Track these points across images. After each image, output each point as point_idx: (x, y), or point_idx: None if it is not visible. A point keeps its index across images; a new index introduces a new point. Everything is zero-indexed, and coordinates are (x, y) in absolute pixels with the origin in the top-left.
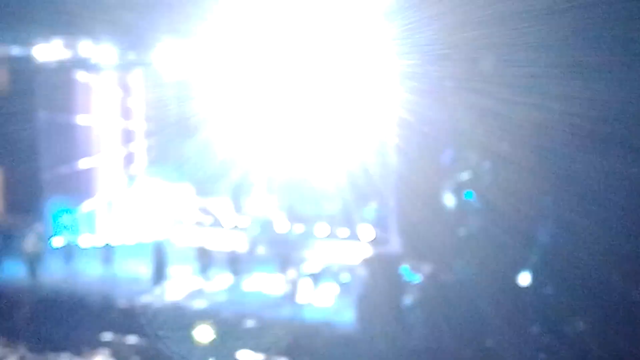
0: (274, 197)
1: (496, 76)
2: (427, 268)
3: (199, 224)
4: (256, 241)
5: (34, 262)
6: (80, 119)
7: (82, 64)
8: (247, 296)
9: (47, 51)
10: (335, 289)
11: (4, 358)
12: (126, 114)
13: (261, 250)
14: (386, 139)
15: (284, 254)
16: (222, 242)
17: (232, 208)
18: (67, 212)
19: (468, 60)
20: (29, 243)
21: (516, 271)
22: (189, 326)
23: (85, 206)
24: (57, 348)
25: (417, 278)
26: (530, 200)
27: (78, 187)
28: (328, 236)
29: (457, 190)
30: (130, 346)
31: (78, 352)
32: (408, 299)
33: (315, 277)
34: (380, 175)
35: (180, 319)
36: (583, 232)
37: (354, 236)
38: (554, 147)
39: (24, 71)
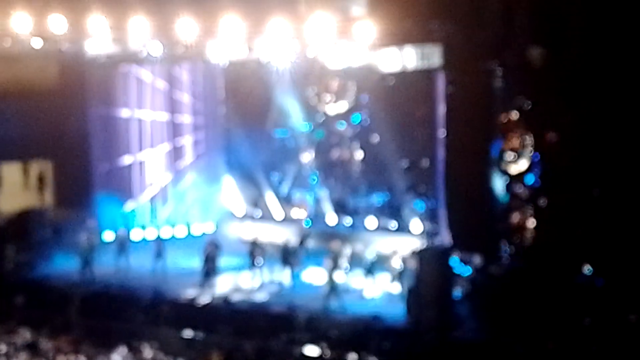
0: (324, 190)
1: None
2: (477, 260)
3: (250, 217)
4: (307, 234)
5: (86, 256)
6: (130, 113)
7: (131, 57)
8: (299, 288)
9: (97, 45)
10: (385, 281)
11: (58, 350)
12: (175, 107)
13: (312, 243)
14: (435, 132)
15: (334, 247)
16: (273, 235)
17: (282, 200)
18: (118, 206)
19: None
20: (82, 237)
21: (569, 263)
22: (240, 319)
23: (136, 200)
24: (109, 341)
25: (468, 270)
26: (582, 189)
27: (129, 181)
28: (377, 229)
29: (507, 181)
30: (182, 339)
31: (130, 345)
32: (458, 291)
33: (366, 270)
34: (429, 167)
35: (230, 313)
36: None
37: (403, 229)
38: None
39: (74, 66)
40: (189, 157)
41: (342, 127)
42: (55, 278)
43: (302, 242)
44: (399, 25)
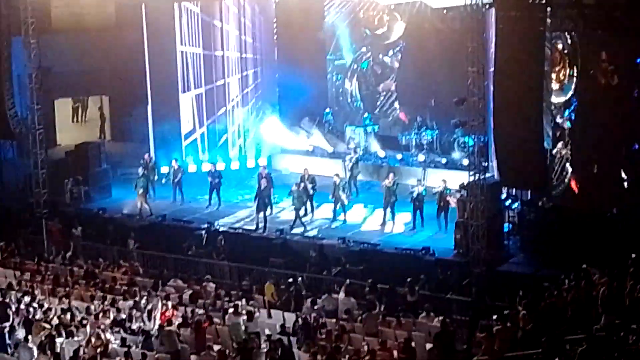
0: (373, 126)
1: None
2: (525, 195)
3: (300, 150)
4: (356, 168)
5: (143, 187)
6: (185, 49)
7: None
8: (348, 223)
9: None
10: (434, 215)
11: (115, 280)
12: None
13: (360, 177)
14: (485, 67)
15: (384, 184)
16: (324, 169)
17: (333, 134)
18: (174, 140)
19: None
20: (138, 170)
21: (615, 197)
22: (291, 252)
23: (193, 133)
24: (164, 272)
25: (516, 204)
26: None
27: (184, 116)
28: (427, 163)
29: (556, 115)
30: (235, 270)
31: (184, 277)
32: (507, 225)
33: (415, 204)
34: (479, 102)
35: (283, 245)
36: None
37: (452, 163)
38: None
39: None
40: (247, 91)
41: (391, 59)
42: (112, 210)
43: (351, 174)
44: None
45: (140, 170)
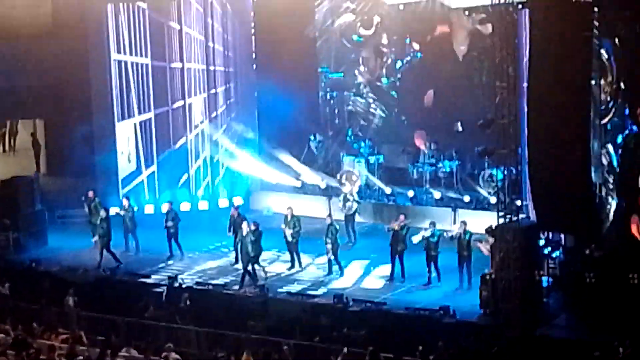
0: (377, 156)
1: None
2: (569, 241)
3: (285, 186)
4: (357, 209)
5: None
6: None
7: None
8: (345, 277)
9: None
10: (458, 263)
11: (52, 350)
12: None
13: (359, 218)
14: (517, 81)
15: (391, 228)
16: (314, 209)
17: (325, 166)
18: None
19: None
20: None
21: None
22: (277, 311)
23: (151, 166)
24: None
25: (557, 253)
26: None
27: (143, 141)
28: (447, 202)
29: (606, 142)
30: (204, 336)
31: (139, 345)
32: (546, 279)
33: (429, 253)
34: (510, 126)
35: (266, 303)
36: None
37: (477, 202)
38: None
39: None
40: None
41: (399, 69)
42: (49, 262)
43: (349, 218)
44: None
45: (103, 213)
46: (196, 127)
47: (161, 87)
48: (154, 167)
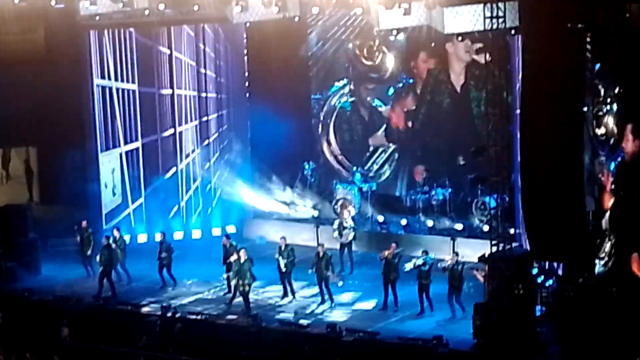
0: (369, 184)
1: None
2: (563, 269)
3: (278, 215)
4: (350, 239)
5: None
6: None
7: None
8: (338, 306)
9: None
10: (448, 293)
11: None
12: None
13: (356, 247)
14: (509, 108)
15: (383, 256)
16: (306, 238)
17: (317, 194)
18: (121, 201)
19: None
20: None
21: None
22: (271, 342)
23: (143, 194)
24: None
25: (550, 281)
26: None
27: (135, 169)
28: (438, 230)
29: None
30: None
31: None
32: (539, 308)
33: (422, 280)
34: (502, 153)
35: (259, 334)
36: None
37: (469, 230)
38: None
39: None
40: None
41: (389, 95)
42: (42, 292)
43: (345, 246)
44: None
45: (104, 241)
46: (187, 156)
47: (150, 115)
48: (141, 200)
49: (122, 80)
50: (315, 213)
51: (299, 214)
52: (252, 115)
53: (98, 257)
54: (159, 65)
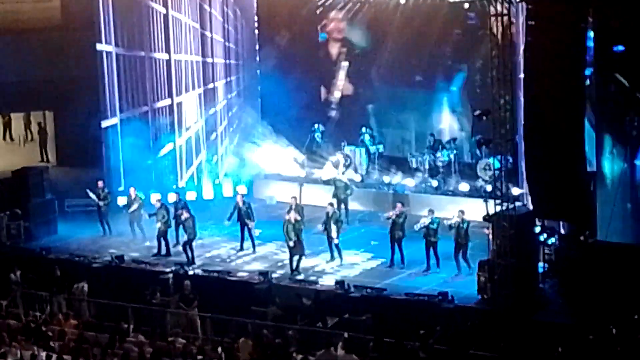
0: (376, 146)
1: None
2: (564, 227)
3: (287, 175)
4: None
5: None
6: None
7: None
8: (346, 264)
9: None
10: (453, 252)
11: (63, 336)
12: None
13: (357, 205)
14: (513, 72)
15: (389, 216)
16: (315, 197)
17: (325, 156)
18: (133, 164)
19: None
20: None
21: None
22: (278, 297)
23: (156, 156)
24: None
25: (552, 239)
26: None
27: (147, 133)
28: (445, 190)
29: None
30: (208, 321)
31: (147, 329)
32: (542, 265)
33: (428, 240)
34: (507, 115)
35: (269, 289)
36: None
37: (474, 190)
38: None
39: None
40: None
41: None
42: (59, 250)
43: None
44: None
45: (157, 203)
46: (196, 122)
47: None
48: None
49: (120, 45)
50: (324, 174)
51: (308, 175)
52: (262, 80)
53: (156, 217)
54: (156, 28)
